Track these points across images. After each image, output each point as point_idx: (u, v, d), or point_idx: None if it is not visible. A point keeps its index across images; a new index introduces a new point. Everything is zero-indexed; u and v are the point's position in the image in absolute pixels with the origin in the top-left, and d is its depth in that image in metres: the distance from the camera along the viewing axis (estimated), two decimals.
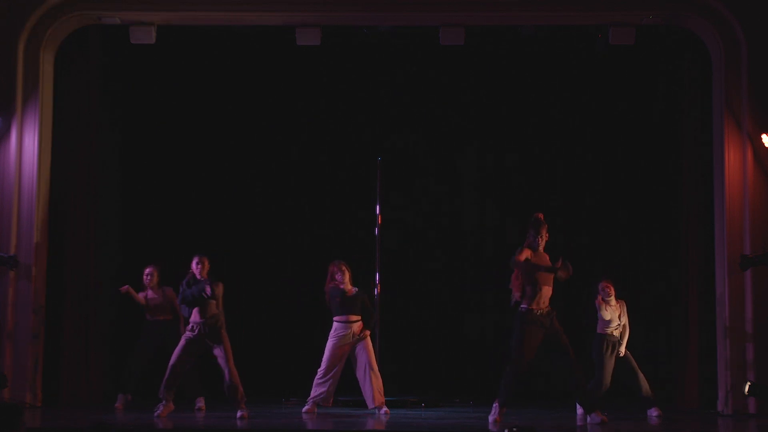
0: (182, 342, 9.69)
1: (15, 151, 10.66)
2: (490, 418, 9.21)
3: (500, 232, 12.34)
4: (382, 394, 10.09)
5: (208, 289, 9.56)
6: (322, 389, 10.05)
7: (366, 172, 11.98)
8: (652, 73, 12.01)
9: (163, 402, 9.61)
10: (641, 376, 9.90)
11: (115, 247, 11.90)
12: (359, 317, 10.11)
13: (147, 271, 10.57)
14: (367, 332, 10.11)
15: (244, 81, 12.31)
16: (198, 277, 9.70)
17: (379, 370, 10.16)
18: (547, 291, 9.21)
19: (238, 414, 9.49)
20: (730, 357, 10.43)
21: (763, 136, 10.43)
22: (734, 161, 10.59)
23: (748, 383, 10.02)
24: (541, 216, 9.40)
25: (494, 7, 10.95)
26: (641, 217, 12.10)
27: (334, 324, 10.14)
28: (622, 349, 9.91)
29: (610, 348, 9.87)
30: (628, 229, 12.16)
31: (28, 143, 10.74)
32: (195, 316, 9.65)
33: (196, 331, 9.63)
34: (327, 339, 10.16)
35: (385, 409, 10.02)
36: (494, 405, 9.25)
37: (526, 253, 9.16)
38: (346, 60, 12.22)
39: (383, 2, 11.03)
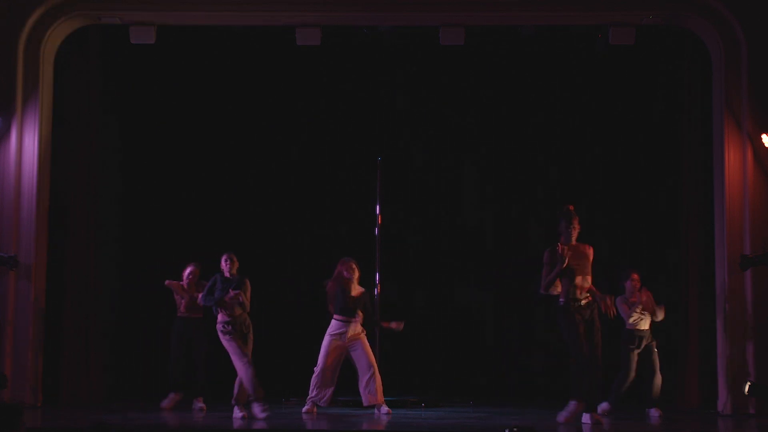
0: (234, 345, 9.65)
1: (15, 151, 10.66)
2: (561, 418, 9.21)
3: (500, 232, 12.35)
4: (382, 393, 10.08)
5: (231, 292, 9.64)
6: (320, 389, 10.03)
7: (366, 172, 11.98)
8: (652, 73, 12.00)
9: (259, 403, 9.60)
10: (658, 376, 9.98)
11: (115, 247, 11.90)
12: (358, 318, 10.12)
13: (189, 270, 10.56)
14: (363, 330, 10.13)
15: (244, 81, 12.30)
16: (227, 275, 9.78)
17: (380, 370, 10.16)
18: (580, 282, 9.24)
19: (240, 414, 9.52)
20: (730, 357, 10.44)
21: (763, 136, 10.43)
22: (734, 161, 10.59)
23: (748, 383, 10.03)
24: (571, 208, 9.45)
25: (494, 7, 10.95)
26: (641, 217, 12.10)
27: (333, 322, 10.13)
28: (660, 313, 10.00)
29: (637, 341, 9.95)
30: (627, 229, 12.16)
31: (28, 143, 10.74)
32: (223, 316, 9.71)
33: (230, 328, 9.66)
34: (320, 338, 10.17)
35: (386, 408, 10.01)
36: (570, 402, 9.24)
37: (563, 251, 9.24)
38: (346, 60, 12.22)
39: (383, 2, 11.03)
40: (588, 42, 11.67)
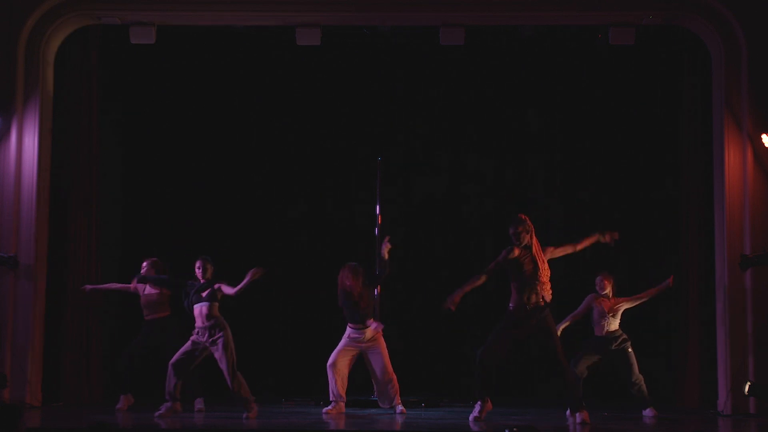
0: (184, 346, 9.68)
1: (15, 151, 10.66)
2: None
3: (501, 232, 12.30)
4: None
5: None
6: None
7: (366, 172, 11.98)
8: (652, 73, 12.01)
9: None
10: (637, 375, 9.91)
11: (116, 248, 11.90)
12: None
13: (143, 264, 10.50)
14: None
15: (243, 81, 12.31)
16: (201, 281, 9.70)
17: None
18: (539, 288, 9.26)
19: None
20: (730, 357, 10.44)
21: (763, 136, 10.44)
22: (734, 161, 10.59)
23: (748, 383, 10.03)
24: (521, 216, 9.38)
25: (494, 7, 10.95)
26: (641, 217, 12.10)
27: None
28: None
29: (602, 348, 9.90)
30: (627, 229, 12.12)
31: (28, 143, 10.74)
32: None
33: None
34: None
35: (401, 407, 10.07)
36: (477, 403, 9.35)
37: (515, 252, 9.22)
38: (346, 60, 12.22)
39: (383, 2, 11.04)
40: (588, 42, 11.67)
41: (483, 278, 9.30)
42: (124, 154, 12.20)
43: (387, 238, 10.06)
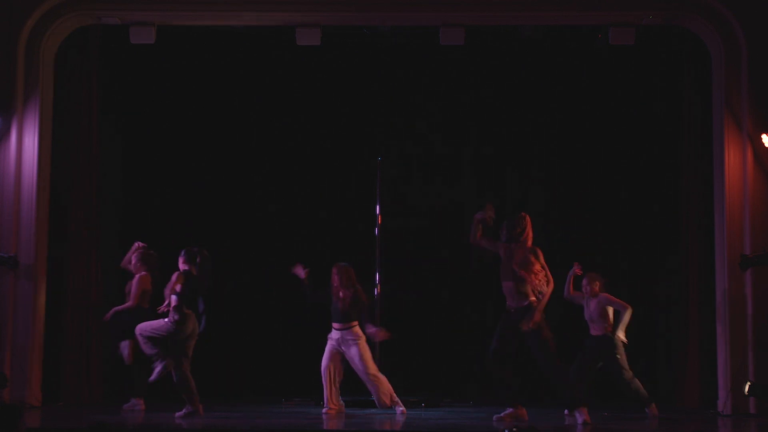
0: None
1: (15, 151, 10.66)
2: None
3: (499, 230, 12.34)
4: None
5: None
6: None
7: (366, 172, 11.98)
8: (652, 73, 12.01)
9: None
10: (629, 373, 9.90)
11: (115, 247, 11.88)
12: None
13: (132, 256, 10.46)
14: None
15: (243, 81, 12.31)
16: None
17: (380, 371, 10.14)
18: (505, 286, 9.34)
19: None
20: (730, 357, 10.44)
21: (763, 136, 10.44)
22: (734, 161, 10.59)
23: (748, 383, 10.03)
24: (522, 213, 9.45)
25: (494, 7, 10.96)
26: (641, 218, 12.10)
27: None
28: (621, 334, 9.84)
29: (598, 348, 9.92)
30: (627, 229, 12.16)
31: (28, 143, 10.74)
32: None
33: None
34: (324, 338, 10.15)
35: (401, 408, 10.03)
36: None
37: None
38: (346, 60, 12.22)
39: (383, 2, 11.04)
40: (588, 42, 11.67)
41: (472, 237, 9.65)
42: (124, 154, 12.20)
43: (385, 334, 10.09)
